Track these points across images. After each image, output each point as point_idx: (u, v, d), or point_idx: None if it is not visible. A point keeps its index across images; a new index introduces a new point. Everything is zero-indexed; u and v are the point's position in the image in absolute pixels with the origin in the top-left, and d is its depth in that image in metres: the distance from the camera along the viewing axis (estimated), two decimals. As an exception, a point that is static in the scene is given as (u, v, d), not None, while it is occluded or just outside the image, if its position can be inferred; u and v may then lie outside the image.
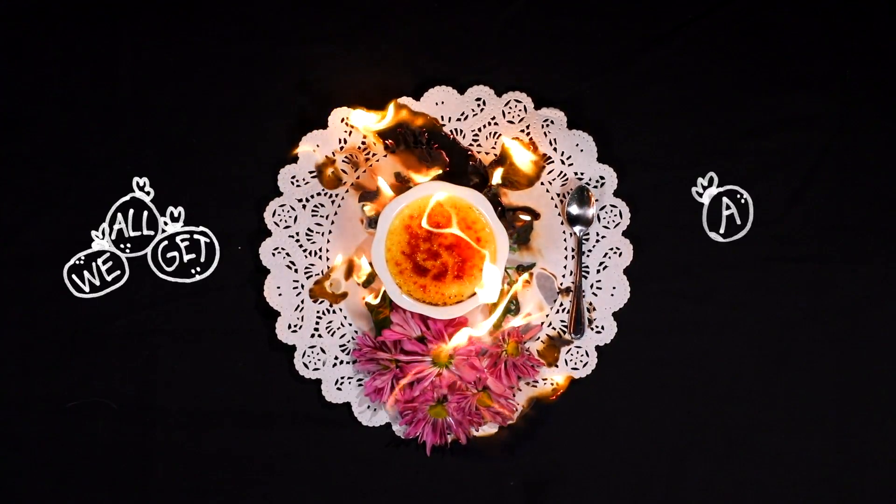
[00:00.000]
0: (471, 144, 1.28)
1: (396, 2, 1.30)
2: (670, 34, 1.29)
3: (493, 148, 1.27)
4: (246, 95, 1.28)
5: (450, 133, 1.27)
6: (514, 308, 1.26)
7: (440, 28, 1.30)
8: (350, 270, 1.26)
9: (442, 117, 1.28)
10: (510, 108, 1.28)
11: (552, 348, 1.26)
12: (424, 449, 1.24)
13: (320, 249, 1.27)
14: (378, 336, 1.24)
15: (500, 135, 1.28)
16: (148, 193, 1.27)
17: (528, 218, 1.26)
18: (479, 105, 1.28)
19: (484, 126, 1.28)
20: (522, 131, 1.28)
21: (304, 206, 1.27)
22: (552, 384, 1.25)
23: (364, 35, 1.29)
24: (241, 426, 1.26)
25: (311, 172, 1.27)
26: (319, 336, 1.26)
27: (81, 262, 1.26)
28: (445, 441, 1.24)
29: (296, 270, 1.26)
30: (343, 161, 1.27)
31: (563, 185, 1.28)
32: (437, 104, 1.28)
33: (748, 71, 1.29)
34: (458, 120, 1.28)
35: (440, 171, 1.25)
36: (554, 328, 1.26)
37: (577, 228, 1.26)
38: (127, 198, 1.27)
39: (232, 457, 1.25)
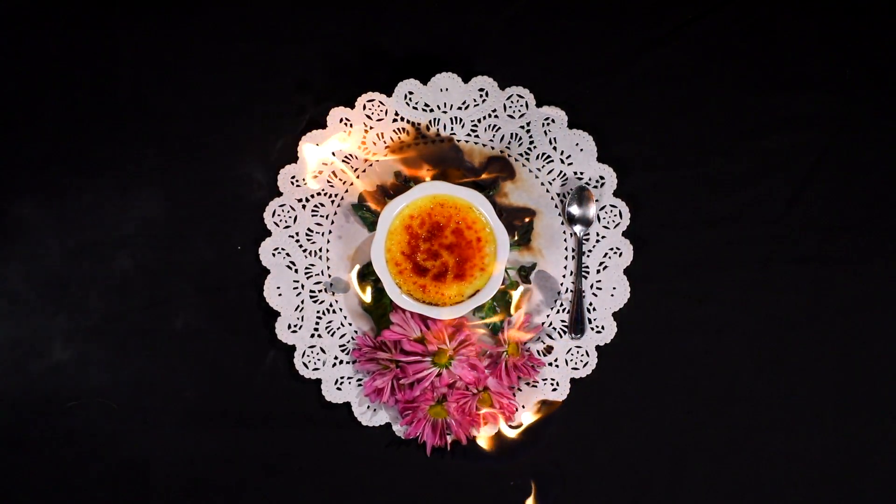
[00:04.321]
0: (468, 134, 1.28)
1: (396, 2, 1.30)
2: (670, 34, 1.29)
3: (491, 141, 1.27)
4: (246, 95, 1.29)
5: (449, 121, 1.28)
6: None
7: (440, 28, 1.30)
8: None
9: (444, 104, 1.27)
10: (512, 101, 1.28)
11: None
12: (424, 449, 1.24)
13: (320, 249, 1.27)
14: (378, 336, 1.24)
15: (498, 128, 1.27)
16: (148, 193, 1.27)
17: (528, 218, 1.26)
18: (481, 96, 1.28)
19: (484, 118, 1.28)
20: (522, 127, 1.28)
21: (303, 206, 1.27)
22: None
23: (364, 35, 1.29)
24: (241, 426, 1.26)
25: (311, 172, 1.27)
26: (319, 336, 1.26)
27: (82, 264, 1.26)
28: (445, 441, 1.24)
29: (296, 270, 1.26)
30: (343, 161, 1.27)
31: (563, 184, 1.28)
32: (441, 90, 1.27)
33: (748, 71, 1.29)
34: (459, 108, 1.28)
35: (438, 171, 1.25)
36: (554, 328, 1.26)
37: (577, 228, 1.26)
38: (128, 199, 1.27)
39: (232, 457, 1.25)
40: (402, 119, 1.27)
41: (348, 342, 1.26)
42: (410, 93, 1.27)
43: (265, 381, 1.26)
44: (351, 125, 1.27)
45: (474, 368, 1.22)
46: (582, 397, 1.26)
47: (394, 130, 1.27)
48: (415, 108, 1.27)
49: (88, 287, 1.26)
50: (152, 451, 1.25)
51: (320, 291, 1.26)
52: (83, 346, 1.25)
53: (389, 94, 1.27)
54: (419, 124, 1.27)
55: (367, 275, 1.26)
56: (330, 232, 1.27)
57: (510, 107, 1.28)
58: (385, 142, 1.27)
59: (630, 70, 1.29)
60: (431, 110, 1.27)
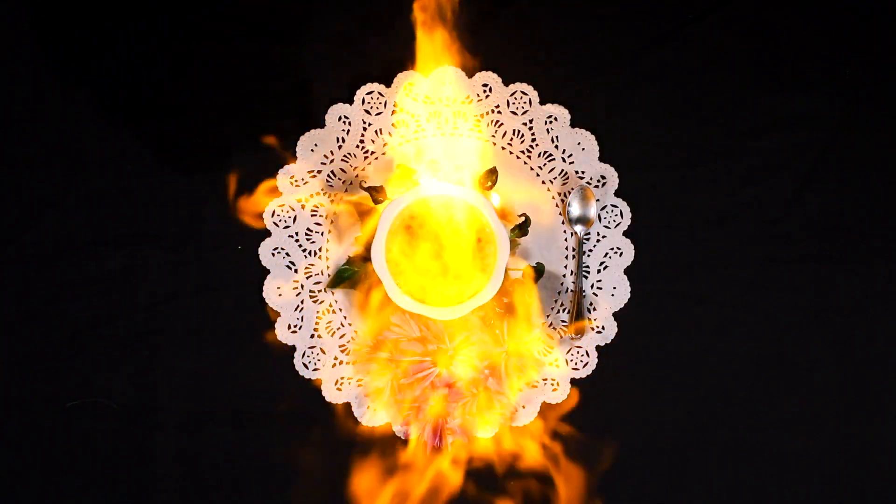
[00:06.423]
0: (470, 130, 1.28)
1: (396, 1, 1.30)
2: (670, 34, 1.29)
3: (493, 137, 1.27)
4: (246, 95, 1.28)
5: (452, 114, 1.27)
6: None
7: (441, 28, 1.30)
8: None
9: (446, 98, 1.27)
10: (515, 98, 1.28)
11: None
12: (424, 449, 1.24)
13: (320, 249, 1.27)
14: (378, 336, 1.24)
15: (501, 123, 1.27)
16: (147, 193, 1.27)
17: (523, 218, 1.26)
18: (484, 91, 1.28)
19: (486, 113, 1.28)
20: (525, 124, 1.28)
21: (303, 207, 1.27)
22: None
23: (363, 35, 1.29)
24: (242, 426, 1.25)
25: (310, 172, 1.27)
26: (319, 336, 1.26)
27: (81, 263, 1.26)
28: (445, 441, 1.24)
29: (296, 270, 1.26)
30: (342, 160, 1.27)
31: (563, 184, 1.28)
32: (443, 84, 1.27)
33: (748, 71, 1.29)
34: (462, 103, 1.28)
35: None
36: (554, 328, 1.27)
37: (577, 228, 1.26)
38: (127, 198, 1.27)
39: (232, 457, 1.25)
40: (402, 112, 1.27)
41: (348, 342, 1.26)
42: (410, 84, 1.27)
43: (265, 381, 1.26)
44: (350, 123, 1.27)
45: (474, 369, 1.22)
46: (582, 397, 1.26)
47: (392, 124, 1.27)
48: (415, 99, 1.27)
49: (88, 287, 1.26)
50: (152, 451, 1.25)
51: (320, 291, 1.26)
52: (83, 345, 1.25)
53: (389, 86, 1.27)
54: (419, 117, 1.27)
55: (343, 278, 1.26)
56: (329, 232, 1.27)
57: (513, 103, 1.28)
58: (384, 138, 1.27)
59: (630, 70, 1.29)
60: (433, 103, 1.27)
